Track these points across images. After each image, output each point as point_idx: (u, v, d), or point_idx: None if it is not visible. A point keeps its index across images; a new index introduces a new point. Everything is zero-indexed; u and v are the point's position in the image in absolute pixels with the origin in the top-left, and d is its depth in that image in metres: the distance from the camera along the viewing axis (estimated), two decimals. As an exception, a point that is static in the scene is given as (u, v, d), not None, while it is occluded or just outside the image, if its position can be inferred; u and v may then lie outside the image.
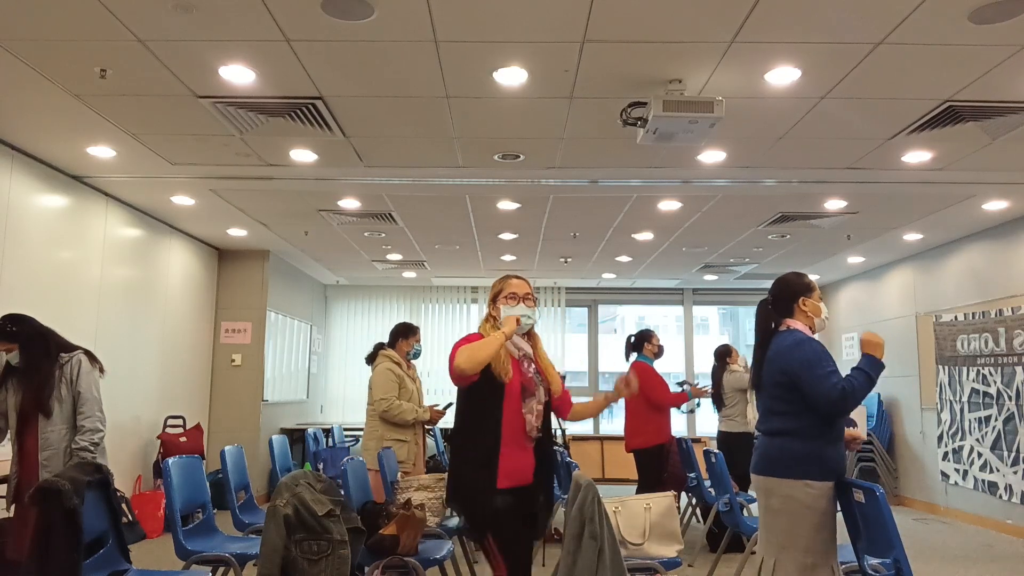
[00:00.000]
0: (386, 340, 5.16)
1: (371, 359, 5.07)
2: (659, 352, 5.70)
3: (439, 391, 10.56)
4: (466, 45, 3.49)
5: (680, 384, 5.77)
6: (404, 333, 5.11)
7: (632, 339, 5.78)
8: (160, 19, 3.25)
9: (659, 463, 5.46)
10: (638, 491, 5.38)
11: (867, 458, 8.41)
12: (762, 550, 2.94)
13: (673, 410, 5.76)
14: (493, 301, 3.02)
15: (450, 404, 5.11)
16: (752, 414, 6.17)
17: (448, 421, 4.36)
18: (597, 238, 7.48)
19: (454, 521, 4.40)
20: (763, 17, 3.21)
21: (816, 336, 3.03)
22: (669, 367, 10.95)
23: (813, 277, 10.12)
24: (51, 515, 2.60)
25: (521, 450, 2.83)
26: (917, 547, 6.15)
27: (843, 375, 2.80)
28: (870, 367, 2.80)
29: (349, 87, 3.96)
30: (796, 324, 3.03)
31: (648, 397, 5.47)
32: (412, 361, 5.16)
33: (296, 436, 8.78)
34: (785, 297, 3.09)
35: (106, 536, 2.95)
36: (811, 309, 3.05)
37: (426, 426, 5.12)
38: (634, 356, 5.73)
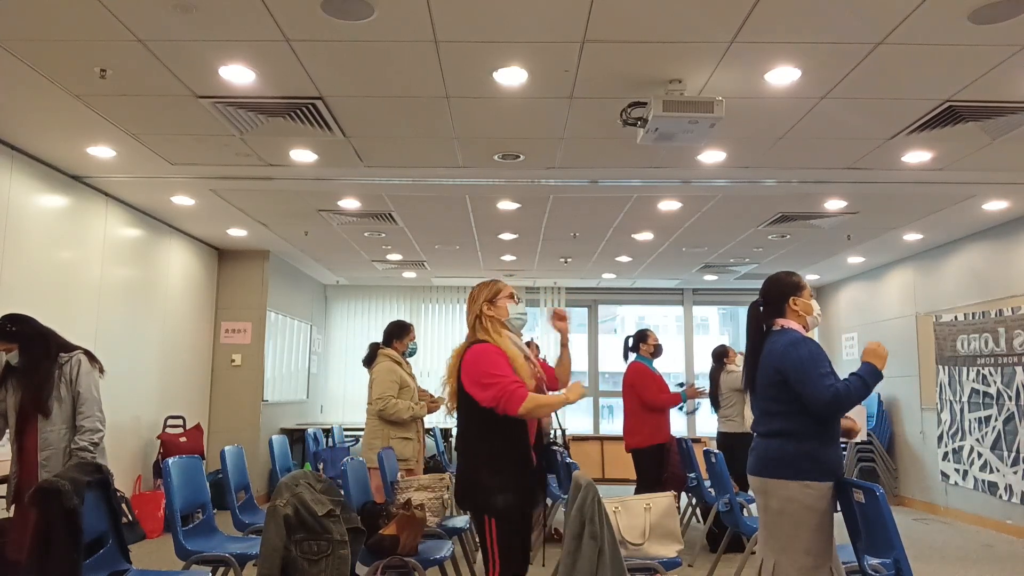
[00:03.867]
0: (380, 340, 5.10)
1: (370, 360, 5.00)
2: (656, 351, 5.70)
3: (439, 392, 10.54)
4: (466, 45, 3.49)
5: (679, 385, 5.76)
6: (398, 333, 5.04)
7: (629, 340, 5.80)
8: (160, 19, 3.25)
9: (657, 463, 5.45)
10: (637, 491, 5.37)
11: (867, 458, 8.42)
12: (761, 551, 2.93)
13: (674, 410, 5.75)
14: (491, 302, 2.94)
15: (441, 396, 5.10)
16: (749, 415, 6.15)
17: (441, 420, 4.32)
18: (597, 238, 7.48)
19: (456, 521, 4.40)
20: (763, 17, 3.21)
21: (810, 335, 3.01)
22: (669, 367, 10.95)
23: (813, 277, 10.10)
24: (51, 515, 2.60)
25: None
26: (917, 547, 6.15)
27: (841, 377, 2.80)
28: (868, 374, 2.78)
29: (349, 87, 3.96)
30: (789, 323, 3.01)
31: (641, 398, 5.48)
32: (408, 360, 5.12)
33: (296, 436, 8.78)
34: (776, 297, 3.06)
35: (106, 536, 2.95)
36: (802, 308, 3.02)
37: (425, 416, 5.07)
38: (632, 356, 5.74)
